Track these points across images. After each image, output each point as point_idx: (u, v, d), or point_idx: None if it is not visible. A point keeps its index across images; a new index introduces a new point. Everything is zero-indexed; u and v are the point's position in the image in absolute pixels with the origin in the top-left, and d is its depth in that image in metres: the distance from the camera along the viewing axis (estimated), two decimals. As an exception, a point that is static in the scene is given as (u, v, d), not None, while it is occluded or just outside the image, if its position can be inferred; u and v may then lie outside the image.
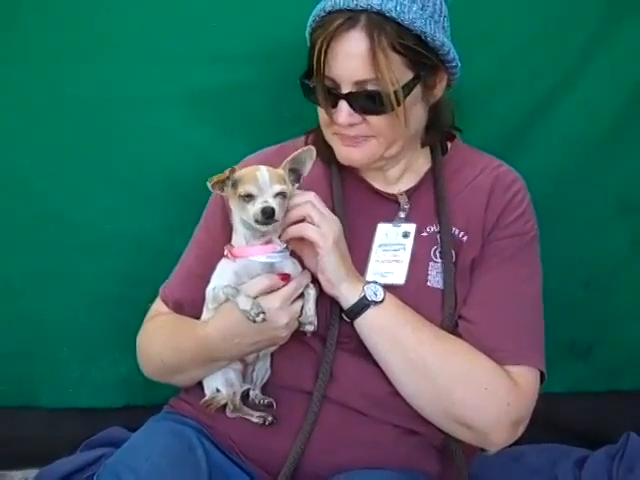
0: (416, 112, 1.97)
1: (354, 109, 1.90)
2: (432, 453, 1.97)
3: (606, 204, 2.45)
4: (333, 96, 1.91)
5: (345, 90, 1.89)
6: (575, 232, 2.45)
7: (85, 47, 2.36)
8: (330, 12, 1.89)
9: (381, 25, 1.84)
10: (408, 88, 1.90)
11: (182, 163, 2.41)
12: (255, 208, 1.79)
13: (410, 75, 1.90)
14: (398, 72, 1.87)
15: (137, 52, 2.37)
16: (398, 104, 1.88)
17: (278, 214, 1.80)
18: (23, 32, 2.36)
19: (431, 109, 2.04)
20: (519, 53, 2.37)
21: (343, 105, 1.90)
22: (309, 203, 1.87)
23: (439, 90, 2.00)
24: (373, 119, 1.91)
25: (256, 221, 1.80)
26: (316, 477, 1.88)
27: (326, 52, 1.88)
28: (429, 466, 1.97)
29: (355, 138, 1.96)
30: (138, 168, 2.43)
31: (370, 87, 1.87)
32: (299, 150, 1.88)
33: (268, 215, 1.78)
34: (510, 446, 1.97)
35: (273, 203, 1.79)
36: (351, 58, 1.86)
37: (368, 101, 1.88)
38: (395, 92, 1.86)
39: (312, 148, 1.88)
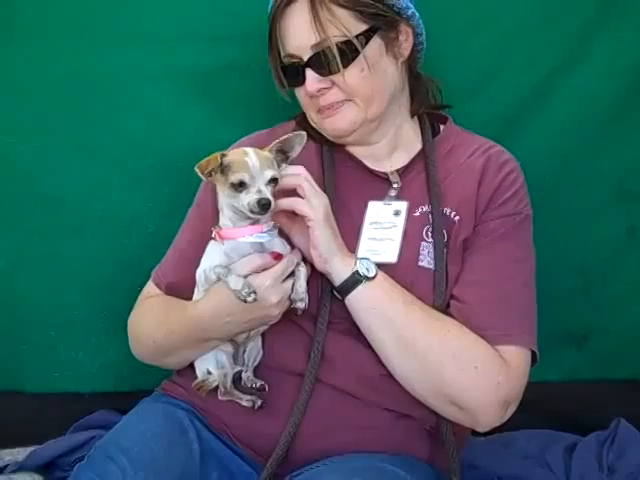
0: (384, 66, 1.99)
1: (319, 73, 1.94)
2: (424, 437, 1.96)
3: (603, 190, 2.43)
4: (299, 72, 1.96)
5: (306, 58, 1.94)
6: (571, 218, 2.43)
7: (74, 25, 2.34)
8: None
9: None
10: (365, 38, 1.94)
11: (174, 144, 2.38)
12: (250, 198, 1.77)
13: (364, 26, 1.95)
14: (348, 25, 1.92)
15: (128, 31, 2.35)
16: (355, 53, 1.92)
17: (273, 204, 1.78)
18: (9, 10, 2.33)
19: (410, 74, 2.09)
20: (518, 37, 2.36)
21: (309, 73, 1.96)
22: (300, 175, 1.86)
23: (406, 46, 2.03)
24: (340, 79, 1.94)
25: (251, 211, 1.78)
26: (308, 460, 1.86)
27: (278, 31, 1.98)
28: (421, 450, 1.96)
29: (332, 106, 1.99)
30: (129, 149, 2.40)
31: (326, 46, 1.91)
32: (290, 134, 1.87)
33: (265, 208, 1.76)
34: (501, 432, 1.95)
35: (267, 192, 1.77)
36: (299, 26, 1.94)
37: (328, 59, 1.92)
38: (349, 42, 1.91)
39: (303, 134, 1.88)
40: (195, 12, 2.33)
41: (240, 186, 1.77)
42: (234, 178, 1.78)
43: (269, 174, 1.79)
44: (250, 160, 1.78)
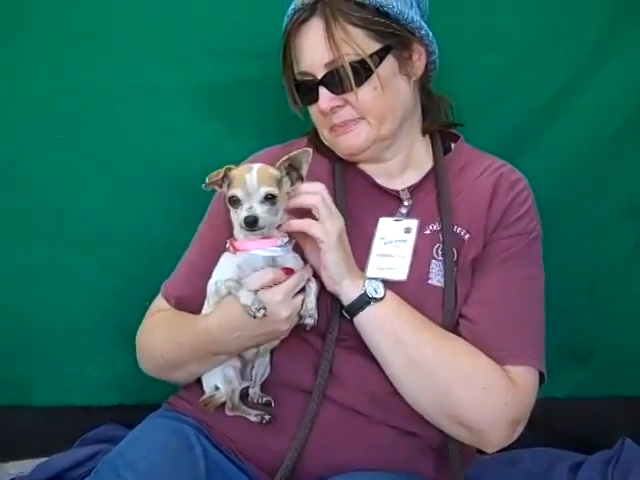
0: (397, 85, 2.00)
1: (333, 92, 1.94)
2: (430, 455, 1.95)
3: (612, 208, 2.43)
4: (313, 90, 1.96)
5: (319, 76, 1.95)
6: (580, 235, 2.43)
7: (90, 40, 2.36)
8: (293, 13, 1.97)
9: (336, 5, 1.92)
10: (378, 57, 1.95)
11: (187, 159, 2.38)
12: (240, 215, 1.78)
13: (378, 46, 1.95)
14: (362, 44, 1.92)
15: (143, 46, 2.36)
16: (369, 72, 1.93)
17: (263, 221, 1.78)
18: (26, 24, 2.35)
19: (423, 93, 2.10)
20: (528, 55, 2.37)
21: (322, 91, 1.96)
22: (319, 195, 1.85)
23: (419, 65, 2.03)
24: (353, 98, 1.95)
25: (240, 227, 1.80)
26: (314, 477, 1.86)
27: (292, 48, 1.99)
28: (426, 468, 1.95)
29: (345, 124, 1.99)
30: (142, 163, 2.41)
31: (340, 64, 1.92)
32: (296, 152, 1.86)
33: (250, 225, 1.77)
34: (506, 450, 1.95)
35: (258, 209, 1.77)
36: (313, 45, 1.94)
37: (342, 78, 1.92)
38: (363, 61, 1.92)
39: (309, 150, 1.86)
40: (209, 28, 2.35)
41: (235, 202, 1.79)
42: (230, 193, 1.80)
43: (264, 191, 1.78)
44: (249, 176, 1.79)
